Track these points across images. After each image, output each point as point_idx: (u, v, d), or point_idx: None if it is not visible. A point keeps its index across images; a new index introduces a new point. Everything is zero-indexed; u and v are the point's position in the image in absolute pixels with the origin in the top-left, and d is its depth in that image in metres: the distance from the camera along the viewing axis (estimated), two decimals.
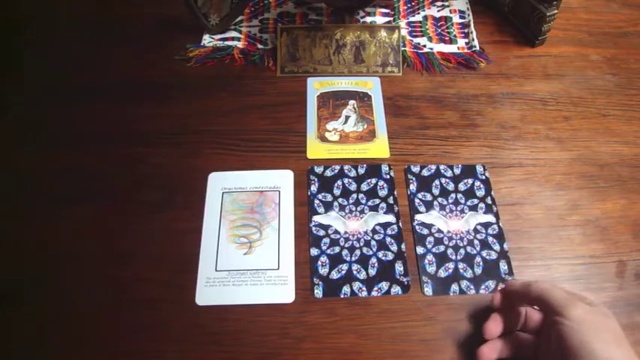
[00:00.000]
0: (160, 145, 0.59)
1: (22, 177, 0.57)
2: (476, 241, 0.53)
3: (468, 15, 0.74)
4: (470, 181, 0.57)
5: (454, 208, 0.55)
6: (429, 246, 0.52)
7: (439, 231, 0.53)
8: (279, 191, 0.56)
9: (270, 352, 0.46)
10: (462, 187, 0.56)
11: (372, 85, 0.66)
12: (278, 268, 0.50)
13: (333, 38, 0.67)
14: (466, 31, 0.72)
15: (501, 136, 0.61)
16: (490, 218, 0.54)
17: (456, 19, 0.74)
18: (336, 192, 0.56)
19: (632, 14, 0.75)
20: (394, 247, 0.52)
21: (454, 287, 0.50)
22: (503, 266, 0.51)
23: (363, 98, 0.64)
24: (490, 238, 0.53)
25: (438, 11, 0.75)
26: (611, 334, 0.37)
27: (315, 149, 0.59)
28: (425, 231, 0.53)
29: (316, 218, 0.54)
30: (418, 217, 0.54)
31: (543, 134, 0.61)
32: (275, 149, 0.59)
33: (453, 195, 0.56)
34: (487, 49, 0.70)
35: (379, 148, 0.59)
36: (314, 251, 0.52)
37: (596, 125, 0.62)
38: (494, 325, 0.44)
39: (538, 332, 0.43)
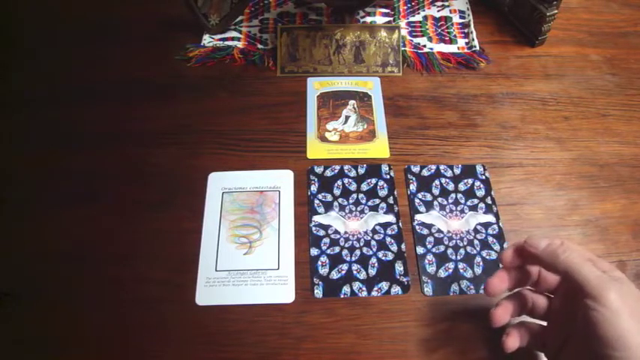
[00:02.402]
0: (160, 145, 0.59)
1: (22, 177, 0.57)
2: (476, 241, 0.53)
3: (468, 15, 0.74)
4: (470, 181, 0.57)
5: (454, 208, 0.55)
6: (429, 246, 0.52)
7: (439, 231, 0.53)
8: (279, 191, 0.56)
9: (270, 352, 0.46)
10: (462, 187, 0.56)
11: (372, 85, 0.66)
12: (278, 268, 0.50)
13: (333, 38, 0.67)
14: (466, 31, 0.72)
15: (501, 136, 0.61)
16: (490, 218, 0.54)
17: (456, 19, 0.74)
18: (336, 192, 0.56)
19: (632, 14, 0.75)
20: (394, 247, 0.52)
21: (454, 287, 0.50)
22: None
23: (363, 98, 0.64)
24: (490, 238, 0.53)
25: (438, 11, 0.75)
26: None
27: (315, 149, 0.59)
28: (425, 231, 0.53)
29: (316, 218, 0.54)
30: (418, 217, 0.54)
31: (543, 134, 0.61)
32: (275, 149, 0.59)
33: (453, 195, 0.56)
34: (487, 49, 0.70)
35: (379, 148, 0.59)
36: (314, 251, 0.52)
37: (596, 125, 0.62)
38: (499, 282, 0.40)
39: (553, 292, 0.41)
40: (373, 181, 0.57)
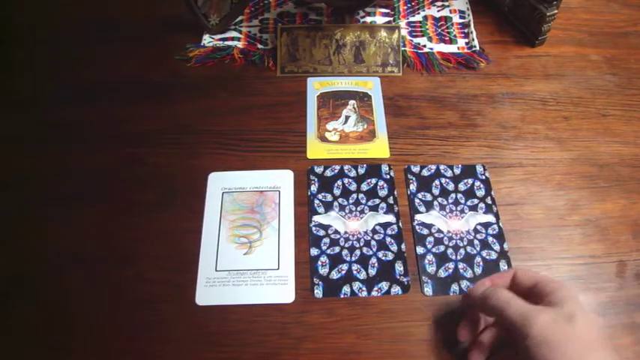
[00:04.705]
0: (160, 145, 0.59)
1: (22, 177, 0.57)
2: (476, 241, 0.53)
3: (468, 15, 0.74)
4: (470, 181, 0.57)
5: (454, 208, 0.55)
6: (429, 246, 0.52)
7: (439, 231, 0.53)
8: (279, 191, 0.56)
9: (270, 352, 0.46)
10: (462, 187, 0.56)
11: (372, 85, 0.66)
12: (278, 268, 0.50)
13: (333, 38, 0.67)
14: (466, 31, 0.72)
15: (501, 136, 0.61)
16: (490, 218, 0.54)
17: (455, 19, 0.74)
18: (336, 192, 0.56)
19: (632, 14, 0.75)
20: (394, 247, 0.52)
21: (454, 287, 0.50)
22: (503, 266, 0.51)
23: (363, 98, 0.64)
24: (490, 238, 0.53)
25: (438, 11, 0.75)
26: (574, 345, 0.34)
27: (315, 149, 0.59)
28: (425, 231, 0.53)
29: (316, 218, 0.54)
30: (418, 217, 0.54)
31: (543, 134, 0.61)
32: (275, 149, 0.59)
33: (453, 195, 0.56)
34: (487, 49, 0.70)
35: (379, 148, 0.59)
36: (314, 251, 0.52)
37: (596, 125, 0.62)
38: (464, 331, 0.44)
39: None
40: (373, 181, 0.57)
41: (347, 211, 0.54)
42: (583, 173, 0.58)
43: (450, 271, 0.51)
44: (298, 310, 0.48)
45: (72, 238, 0.52)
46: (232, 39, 0.71)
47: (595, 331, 0.36)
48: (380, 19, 0.73)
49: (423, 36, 0.71)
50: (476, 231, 0.53)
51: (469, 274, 0.50)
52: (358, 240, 0.52)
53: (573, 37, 0.72)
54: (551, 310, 0.36)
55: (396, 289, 0.49)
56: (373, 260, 0.51)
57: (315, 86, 0.65)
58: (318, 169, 0.57)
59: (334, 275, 0.50)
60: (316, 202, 0.55)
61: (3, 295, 0.49)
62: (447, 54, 0.68)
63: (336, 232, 0.53)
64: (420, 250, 0.52)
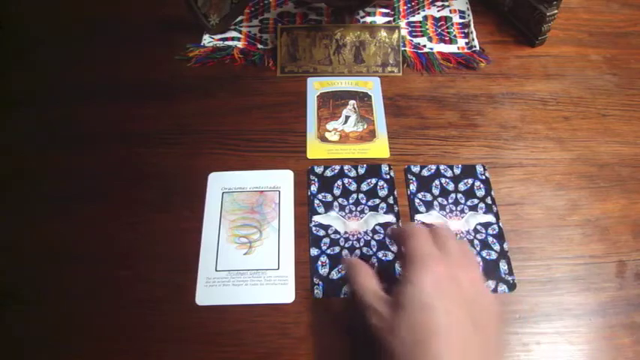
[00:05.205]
0: (160, 145, 0.59)
1: (22, 177, 0.57)
2: (476, 241, 0.53)
3: (468, 15, 0.74)
4: (470, 181, 0.57)
5: (454, 208, 0.55)
6: None
7: None
8: (279, 191, 0.56)
9: (270, 352, 0.46)
10: (462, 187, 0.56)
11: (372, 85, 0.66)
12: (278, 268, 0.50)
13: (333, 38, 0.67)
14: (466, 31, 0.72)
15: (501, 136, 0.61)
16: (490, 218, 0.54)
17: (456, 19, 0.74)
18: (336, 192, 0.56)
19: (632, 14, 0.75)
20: (394, 247, 0.52)
21: None
22: (503, 266, 0.51)
23: (363, 98, 0.64)
24: (490, 238, 0.53)
25: (438, 11, 0.75)
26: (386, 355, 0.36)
27: (315, 149, 0.59)
28: None
29: (316, 218, 0.54)
30: (418, 217, 0.54)
31: (543, 134, 0.61)
32: (275, 149, 0.59)
33: (453, 195, 0.56)
34: (487, 49, 0.70)
35: (379, 148, 0.59)
36: (314, 251, 0.52)
37: (596, 125, 0.62)
38: None
39: None
40: (373, 181, 0.57)
41: (347, 211, 0.54)
42: (583, 173, 0.58)
43: None
44: (298, 310, 0.48)
45: (72, 238, 0.52)
46: (232, 39, 0.71)
47: (413, 333, 0.36)
48: (380, 19, 0.73)
49: (423, 36, 0.71)
50: (476, 231, 0.53)
51: None
52: (358, 240, 0.52)
53: (573, 37, 0.72)
54: (388, 305, 0.38)
55: None
56: (373, 260, 0.51)
57: (315, 86, 0.65)
58: (318, 169, 0.57)
59: (334, 275, 0.50)
60: (316, 202, 0.55)
61: (3, 295, 0.49)
62: (447, 54, 0.68)
63: (336, 232, 0.53)
64: None
